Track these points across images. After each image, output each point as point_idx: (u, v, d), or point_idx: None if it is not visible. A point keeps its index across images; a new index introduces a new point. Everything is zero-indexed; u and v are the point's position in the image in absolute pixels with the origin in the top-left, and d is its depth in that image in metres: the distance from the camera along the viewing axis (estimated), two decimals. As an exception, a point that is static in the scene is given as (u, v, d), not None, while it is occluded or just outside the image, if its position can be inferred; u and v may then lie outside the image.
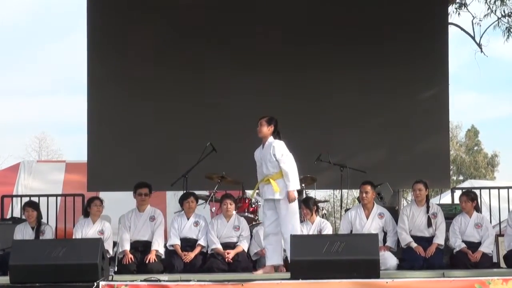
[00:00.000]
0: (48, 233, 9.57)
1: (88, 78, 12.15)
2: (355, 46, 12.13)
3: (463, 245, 9.17)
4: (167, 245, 9.35)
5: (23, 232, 9.50)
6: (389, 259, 8.95)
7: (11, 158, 35.10)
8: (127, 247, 9.21)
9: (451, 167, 28.01)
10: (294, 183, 8.23)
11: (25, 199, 10.45)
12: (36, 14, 52.02)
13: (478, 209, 9.49)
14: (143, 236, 9.34)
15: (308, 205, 9.59)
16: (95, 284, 7.14)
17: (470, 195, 9.46)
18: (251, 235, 9.58)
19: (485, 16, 15.67)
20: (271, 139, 8.38)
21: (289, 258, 7.81)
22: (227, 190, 10.41)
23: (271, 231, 8.37)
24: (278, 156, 8.25)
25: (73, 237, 9.30)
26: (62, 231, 11.01)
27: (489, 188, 11.38)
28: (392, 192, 11.19)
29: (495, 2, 15.23)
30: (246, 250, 9.38)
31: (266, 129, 8.38)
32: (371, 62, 12.13)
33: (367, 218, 9.31)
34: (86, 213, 9.50)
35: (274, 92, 12.00)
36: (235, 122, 11.80)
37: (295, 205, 8.35)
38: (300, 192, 10.67)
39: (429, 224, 9.26)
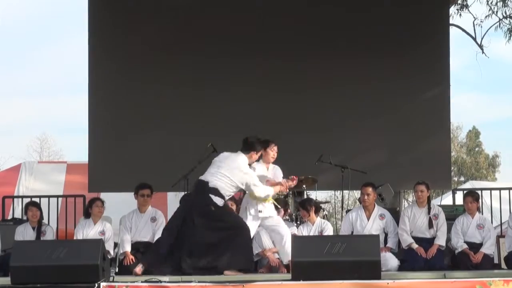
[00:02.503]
0: (49, 234, 9.57)
1: (89, 78, 12.17)
2: (356, 47, 12.14)
3: (465, 246, 9.17)
4: (168, 245, 9.32)
5: (24, 233, 9.50)
6: (390, 260, 8.94)
7: (12, 159, 35.13)
8: (128, 248, 9.21)
9: (452, 168, 27.95)
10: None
11: (26, 200, 10.44)
12: (36, 14, 52.06)
13: (479, 209, 9.48)
14: (144, 237, 9.33)
15: (304, 207, 9.54)
16: (96, 285, 7.12)
17: (475, 196, 9.47)
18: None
19: (486, 17, 15.61)
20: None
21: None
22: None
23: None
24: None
25: (74, 238, 9.31)
26: (63, 232, 11.00)
27: (490, 189, 11.37)
28: (393, 193, 11.17)
29: (496, 3, 15.18)
30: (247, 250, 9.35)
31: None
32: (372, 63, 12.14)
33: (368, 219, 9.30)
34: (87, 214, 9.50)
35: (275, 92, 12.01)
36: (236, 122, 11.79)
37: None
38: (300, 193, 10.74)
39: (430, 225, 9.25)
